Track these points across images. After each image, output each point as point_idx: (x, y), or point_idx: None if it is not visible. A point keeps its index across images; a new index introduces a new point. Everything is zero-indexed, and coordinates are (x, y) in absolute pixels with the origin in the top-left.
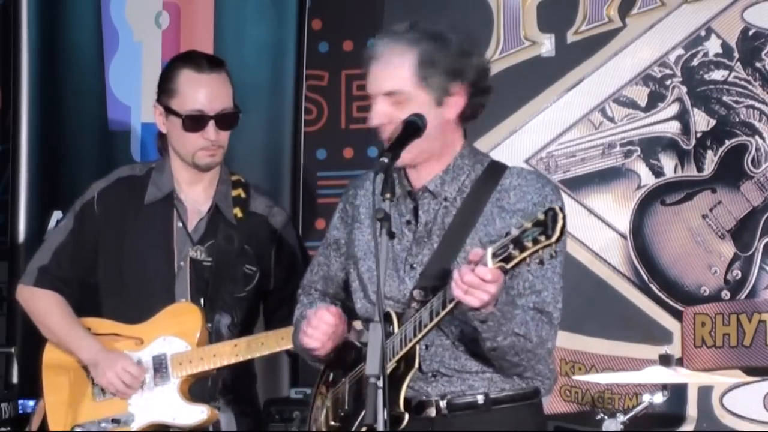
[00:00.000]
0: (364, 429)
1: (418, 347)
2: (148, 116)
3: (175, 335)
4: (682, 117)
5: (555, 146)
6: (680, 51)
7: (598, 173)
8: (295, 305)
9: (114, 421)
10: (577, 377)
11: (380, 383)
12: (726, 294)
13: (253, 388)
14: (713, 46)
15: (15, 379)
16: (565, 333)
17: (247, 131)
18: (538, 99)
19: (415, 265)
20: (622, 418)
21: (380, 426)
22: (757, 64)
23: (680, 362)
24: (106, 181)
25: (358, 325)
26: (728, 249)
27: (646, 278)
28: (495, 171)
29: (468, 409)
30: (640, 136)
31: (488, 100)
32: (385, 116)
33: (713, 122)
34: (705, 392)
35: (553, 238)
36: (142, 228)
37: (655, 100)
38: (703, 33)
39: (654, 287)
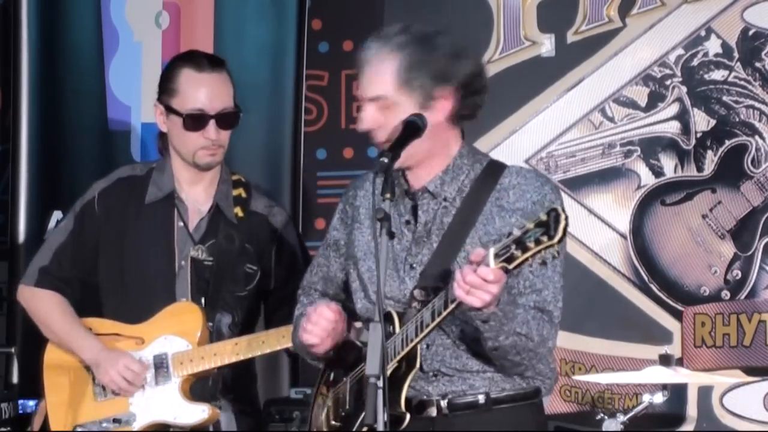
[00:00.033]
0: (364, 429)
1: (419, 347)
2: (148, 116)
3: (176, 334)
4: (682, 117)
5: (555, 146)
6: (680, 51)
7: (598, 173)
8: (296, 305)
9: (115, 420)
10: (577, 377)
11: (380, 383)
12: (726, 294)
13: (254, 388)
14: (713, 46)
15: (15, 379)
16: (565, 333)
17: (247, 131)
18: (538, 99)
19: (414, 265)
20: (622, 418)
21: (380, 426)
22: (757, 64)
23: (680, 362)
24: (106, 181)
25: (358, 324)
26: (728, 249)
27: (646, 278)
28: (494, 170)
29: (469, 409)
30: (640, 136)
31: (484, 99)
32: (373, 121)
33: (713, 122)
34: (705, 392)
35: (556, 239)
36: (143, 228)
37: (655, 100)
38: (703, 33)
39: (654, 287)
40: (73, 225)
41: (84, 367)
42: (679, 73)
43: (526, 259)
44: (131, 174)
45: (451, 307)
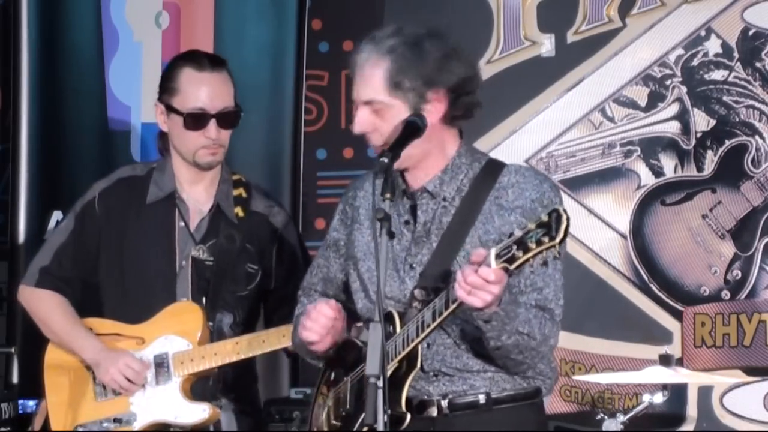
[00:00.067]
0: (365, 429)
1: (420, 347)
2: (148, 116)
3: (177, 334)
4: (682, 117)
5: (555, 146)
6: (680, 51)
7: (598, 173)
8: (296, 304)
9: (116, 420)
10: (577, 377)
11: (380, 383)
12: (726, 294)
13: (255, 388)
14: (713, 46)
15: (15, 379)
16: (565, 333)
17: (247, 131)
18: (538, 99)
19: (414, 265)
20: (622, 418)
21: (380, 426)
22: (757, 64)
23: (680, 362)
24: (107, 181)
25: (359, 323)
26: (728, 249)
27: (646, 278)
28: (493, 169)
29: (469, 409)
30: (640, 136)
31: (478, 99)
32: (367, 124)
33: (713, 122)
34: (705, 392)
35: (557, 240)
36: (144, 228)
37: (655, 100)
38: (703, 33)
39: (654, 287)
40: (74, 225)
41: (84, 367)
42: (679, 73)
43: (528, 260)
44: (132, 174)
45: (453, 307)
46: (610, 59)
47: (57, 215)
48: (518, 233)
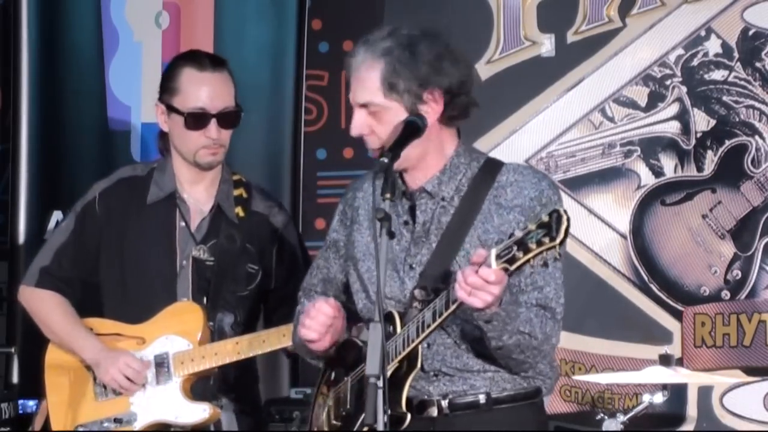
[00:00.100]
0: (365, 429)
1: (420, 347)
2: (149, 116)
3: (177, 334)
4: (682, 117)
5: (555, 146)
6: (680, 51)
7: (598, 173)
8: (295, 304)
9: (116, 420)
10: (577, 377)
11: (380, 383)
12: (726, 294)
13: (256, 388)
14: (713, 46)
15: (15, 379)
16: (565, 333)
17: (247, 131)
18: (538, 99)
19: (414, 266)
20: (622, 418)
21: (380, 426)
22: (757, 64)
23: (680, 362)
24: (107, 181)
25: (360, 323)
26: (728, 249)
27: (646, 278)
28: (491, 168)
29: (470, 409)
30: (640, 136)
31: (474, 99)
32: (364, 127)
33: (713, 122)
34: (705, 392)
35: (557, 240)
36: (145, 228)
37: (655, 100)
38: (703, 33)
39: (654, 287)
40: (74, 225)
41: (85, 367)
42: (679, 73)
43: (528, 261)
44: (132, 174)
45: (453, 307)
46: (610, 59)
47: (57, 215)
48: (519, 234)
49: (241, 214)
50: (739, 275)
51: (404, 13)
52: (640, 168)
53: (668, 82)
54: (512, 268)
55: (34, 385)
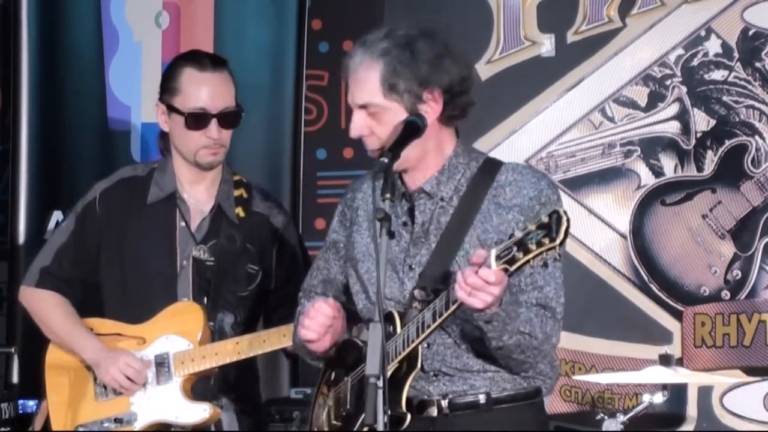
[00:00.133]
0: (365, 429)
1: (420, 347)
2: (149, 116)
3: (178, 334)
4: (682, 117)
5: (555, 146)
6: (680, 51)
7: (598, 173)
8: (295, 304)
9: (117, 420)
10: (577, 377)
11: (380, 383)
12: (726, 294)
13: (257, 388)
14: (713, 46)
15: (15, 379)
16: (565, 333)
17: (247, 131)
18: (538, 99)
19: (413, 266)
20: (622, 418)
21: (380, 426)
22: (757, 64)
23: (680, 362)
24: (108, 181)
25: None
26: (728, 249)
27: (646, 278)
28: (490, 168)
29: (469, 409)
30: (640, 136)
31: (472, 99)
32: (364, 128)
33: (713, 122)
34: (705, 392)
35: (557, 241)
36: (145, 228)
37: (655, 100)
38: (703, 33)
39: (654, 287)
40: (75, 225)
41: (85, 367)
42: (679, 73)
43: (528, 261)
44: (133, 174)
45: (453, 308)
46: (610, 59)
47: (57, 215)
48: (518, 234)
49: (242, 214)
50: (739, 275)
51: (404, 13)
52: (640, 168)
53: (668, 82)
54: (512, 268)
55: (34, 385)
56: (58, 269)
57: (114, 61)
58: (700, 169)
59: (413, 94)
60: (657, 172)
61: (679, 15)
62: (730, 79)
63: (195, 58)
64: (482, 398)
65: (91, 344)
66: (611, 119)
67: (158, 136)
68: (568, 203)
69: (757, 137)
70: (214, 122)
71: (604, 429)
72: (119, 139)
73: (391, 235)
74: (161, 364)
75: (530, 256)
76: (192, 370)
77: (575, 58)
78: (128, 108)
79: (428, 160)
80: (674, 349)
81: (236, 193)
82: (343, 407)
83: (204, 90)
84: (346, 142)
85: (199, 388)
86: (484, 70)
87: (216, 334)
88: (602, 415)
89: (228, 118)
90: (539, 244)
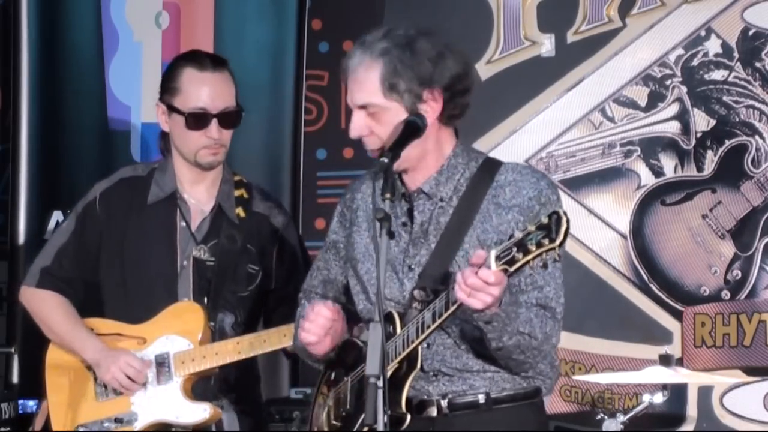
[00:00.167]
0: (365, 429)
1: (420, 347)
2: (149, 116)
3: (178, 334)
4: (682, 117)
5: (555, 146)
6: (680, 51)
7: (598, 173)
8: (295, 304)
9: (117, 420)
10: (577, 377)
11: (380, 383)
12: (726, 294)
13: (257, 388)
14: (713, 46)
15: (15, 379)
16: (565, 333)
17: (247, 131)
18: (538, 99)
19: (413, 266)
20: (622, 418)
21: (380, 426)
22: (757, 64)
23: (680, 362)
24: (108, 181)
25: (360, 324)
26: (728, 249)
27: (646, 278)
28: (490, 168)
29: (469, 409)
30: (640, 136)
31: (469, 99)
32: (364, 128)
33: (713, 122)
34: (705, 392)
35: (557, 242)
36: (145, 228)
37: (655, 100)
38: (703, 33)
39: (654, 287)
40: (75, 225)
41: (86, 367)
42: (679, 73)
43: (527, 262)
44: (133, 174)
45: (453, 308)
46: (610, 59)
47: (57, 215)
48: (518, 235)
49: (242, 214)
50: (739, 275)
51: (404, 13)
52: (640, 168)
53: (668, 82)
54: (512, 269)
55: (34, 385)
56: (58, 269)
57: (114, 61)
58: (700, 169)
59: (413, 93)
60: (657, 172)
61: (679, 15)
62: (730, 79)
63: (195, 58)
64: (482, 398)
65: (91, 344)
66: (611, 119)
67: (159, 136)
68: (568, 203)
69: (757, 137)
70: (214, 122)
71: (604, 429)
72: (119, 139)
73: (391, 235)
74: (162, 364)
75: (530, 257)
76: (192, 370)
77: (575, 58)
78: (128, 108)
79: (428, 160)
80: (674, 349)
81: (237, 193)
82: (343, 407)
83: (204, 90)
84: (346, 142)
85: (200, 388)
86: (484, 70)
87: (216, 334)
88: (602, 415)
89: (228, 118)
90: (539, 245)
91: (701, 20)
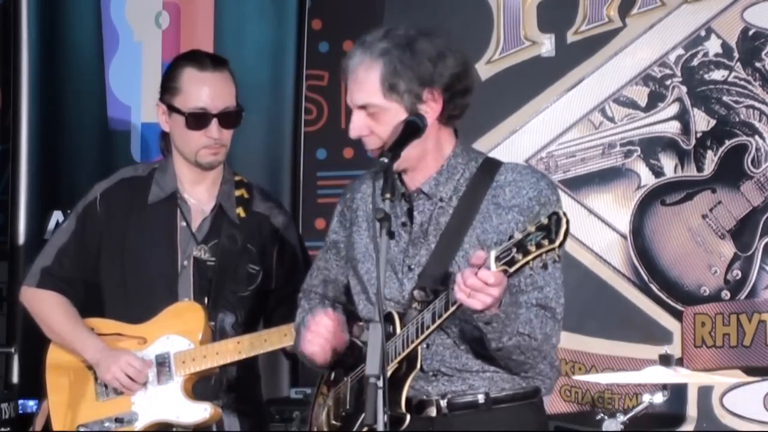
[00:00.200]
0: (365, 429)
1: (419, 348)
2: (149, 116)
3: (179, 334)
4: (682, 117)
5: (555, 146)
6: (680, 51)
7: (598, 173)
8: (295, 304)
9: (117, 420)
10: (577, 377)
11: (380, 383)
12: (726, 294)
13: (258, 388)
14: (713, 46)
15: (15, 379)
16: (565, 333)
17: (247, 131)
18: (538, 99)
19: (413, 266)
20: (622, 418)
21: (380, 426)
22: (757, 64)
23: (680, 362)
24: (108, 182)
25: (361, 322)
26: (728, 249)
27: (646, 278)
28: (490, 168)
29: (468, 409)
30: (640, 136)
31: (469, 99)
32: (364, 128)
33: (713, 122)
34: (705, 392)
35: (557, 243)
36: (146, 228)
37: (655, 100)
38: (703, 33)
39: (654, 287)
40: (75, 225)
41: (86, 367)
42: (679, 73)
43: (527, 263)
44: (133, 174)
45: (452, 309)
46: (610, 59)
47: (57, 215)
48: (518, 236)
49: (242, 214)
50: (739, 275)
51: (404, 13)
52: (640, 168)
53: (668, 82)
54: (511, 270)
55: (34, 385)
56: (59, 269)
57: (114, 61)
58: (700, 169)
59: (413, 94)
60: (657, 172)
61: (679, 15)
62: (730, 79)
63: (195, 58)
64: (481, 398)
65: (92, 344)
66: (611, 119)
67: (159, 136)
68: (568, 203)
69: (757, 137)
70: (214, 122)
71: (604, 429)
72: (119, 139)
73: (391, 235)
74: (162, 363)
75: (529, 257)
76: (193, 369)
77: (575, 58)
78: (128, 108)
79: (428, 160)
80: (674, 349)
81: (237, 193)
82: (343, 407)
83: (204, 90)
84: (346, 142)
85: (200, 387)
86: (484, 70)
87: (217, 333)
88: (602, 415)
89: (228, 118)
90: (538, 245)
91: (701, 20)
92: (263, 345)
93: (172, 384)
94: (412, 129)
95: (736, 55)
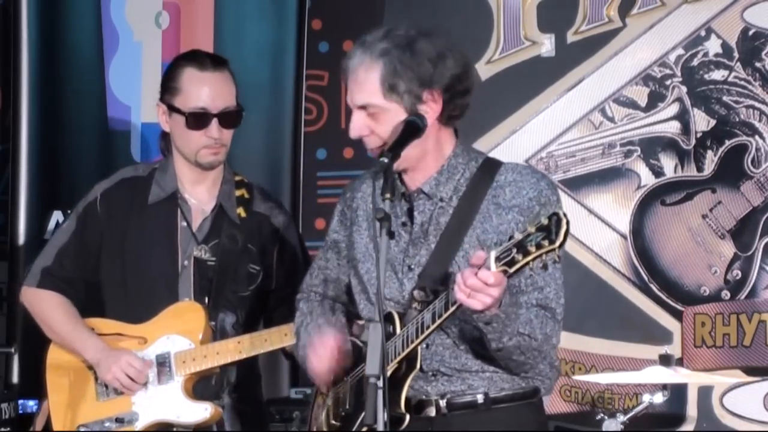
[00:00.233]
0: (364, 429)
1: (419, 348)
2: (149, 116)
3: (179, 333)
4: (682, 117)
5: (555, 146)
6: (680, 51)
7: (598, 173)
8: (295, 303)
9: (118, 420)
10: (577, 377)
11: (380, 383)
12: (726, 294)
13: (258, 388)
14: (713, 46)
15: (15, 379)
16: (565, 333)
17: (247, 131)
18: (538, 99)
19: (413, 266)
20: (622, 418)
21: (380, 426)
22: (757, 64)
23: (680, 362)
24: (109, 182)
25: (361, 321)
26: (728, 249)
27: (646, 278)
28: (490, 168)
29: (468, 409)
30: (640, 136)
31: (469, 99)
32: (364, 128)
33: (713, 122)
34: (705, 392)
35: (557, 244)
36: (146, 228)
37: (655, 100)
38: (703, 33)
39: (654, 287)
40: (76, 225)
41: (86, 367)
42: (679, 73)
43: (527, 263)
44: (134, 174)
45: (452, 309)
46: (610, 59)
47: (57, 215)
48: (518, 236)
49: (243, 214)
50: (739, 275)
51: (404, 13)
52: (640, 168)
53: (668, 82)
54: (511, 270)
55: (34, 385)
56: (59, 269)
57: (114, 61)
58: (700, 169)
59: (413, 94)
60: (657, 172)
61: (679, 15)
62: (730, 79)
63: (195, 58)
64: (480, 398)
65: (92, 344)
66: (611, 119)
67: (159, 136)
68: (568, 203)
69: (757, 137)
70: (214, 122)
71: (604, 429)
72: (119, 139)
73: (391, 235)
74: (162, 363)
75: (529, 258)
76: (193, 369)
77: (575, 58)
78: (128, 108)
79: (428, 161)
80: (674, 349)
81: (237, 193)
82: (343, 407)
83: (205, 90)
84: (346, 142)
85: (201, 387)
86: (484, 70)
87: (217, 333)
88: (602, 415)
89: (229, 118)
90: (539, 246)
91: (701, 20)
92: (264, 345)
93: (173, 384)
94: (412, 129)
95: (736, 55)
